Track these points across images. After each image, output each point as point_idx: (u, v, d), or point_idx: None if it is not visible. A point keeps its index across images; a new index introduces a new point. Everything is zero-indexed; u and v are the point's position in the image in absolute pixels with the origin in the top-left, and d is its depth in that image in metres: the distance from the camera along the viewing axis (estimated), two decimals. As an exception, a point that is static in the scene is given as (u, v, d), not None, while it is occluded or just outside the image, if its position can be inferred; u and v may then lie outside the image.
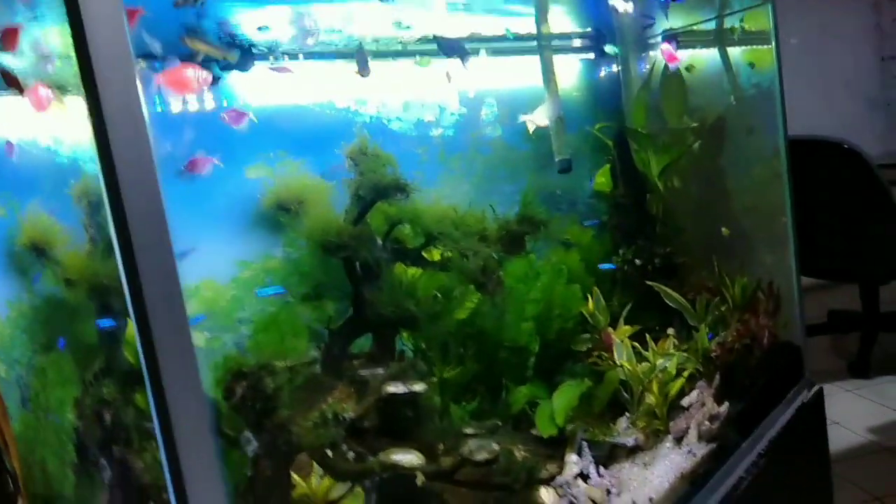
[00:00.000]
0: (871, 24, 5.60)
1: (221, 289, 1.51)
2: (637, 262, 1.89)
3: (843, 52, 5.53)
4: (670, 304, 1.89)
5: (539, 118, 1.77)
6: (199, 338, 1.46)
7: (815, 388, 2.34)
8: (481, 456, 1.14)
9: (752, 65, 2.20)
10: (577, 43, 2.03)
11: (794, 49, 5.47)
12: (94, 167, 0.72)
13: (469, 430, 1.21)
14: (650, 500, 1.46)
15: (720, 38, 2.17)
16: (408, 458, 1.08)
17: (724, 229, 1.95)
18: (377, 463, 1.08)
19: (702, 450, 1.67)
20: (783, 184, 2.24)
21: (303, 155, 1.56)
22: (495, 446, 1.16)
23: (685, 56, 2.19)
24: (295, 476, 1.25)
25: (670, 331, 1.87)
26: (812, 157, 3.71)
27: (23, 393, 1.33)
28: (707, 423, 1.70)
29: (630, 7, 1.86)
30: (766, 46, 2.19)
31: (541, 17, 1.77)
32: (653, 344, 1.75)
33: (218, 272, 1.52)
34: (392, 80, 1.72)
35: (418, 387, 1.20)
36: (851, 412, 3.50)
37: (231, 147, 1.50)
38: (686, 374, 1.70)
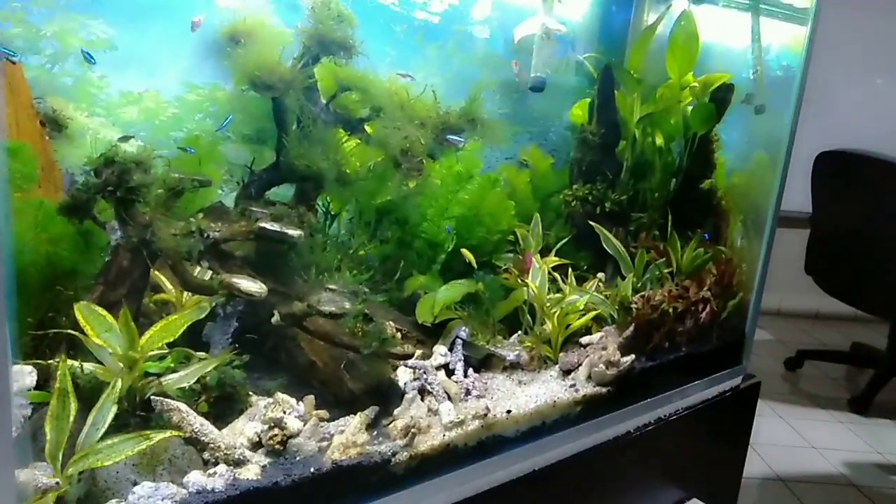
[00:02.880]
0: None
1: (163, 104, 1.56)
2: (588, 200, 1.86)
3: None
4: (608, 249, 1.88)
5: (526, 29, 1.73)
6: (130, 143, 1.53)
7: (751, 381, 2.32)
8: (327, 308, 1.18)
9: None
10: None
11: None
12: None
13: (331, 286, 1.25)
14: (507, 412, 1.49)
15: (753, 5, 2.05)
16: (248, 285, 1.13)
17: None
18: (218, 282, 1.13)
19: (587, 389, 1.68)
20: (776, 176, 2.16)
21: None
22: (346, 304, 1.20)
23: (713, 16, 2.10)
24: (164, 280, 1.33)
25: (600, 275, 1.86)
26: (879, 177, 3.51)
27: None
28: (602, 366, 1.71)
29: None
30: (801, 26, 2.07)
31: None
32: (572, 279, 1.75)
33: (165, 87, 1.56)
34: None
35: (293, 231, 1.23)
36: (834, 443, 3.47)
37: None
38: (593, 314, 1.70)
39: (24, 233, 1.16)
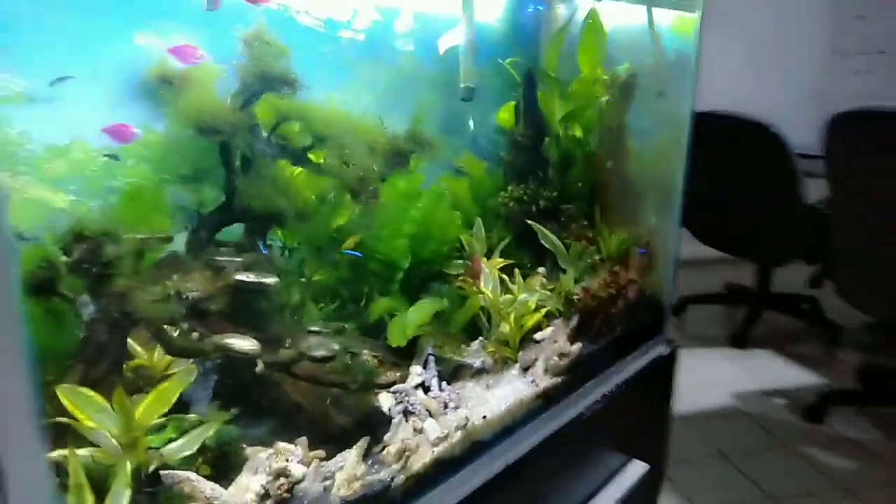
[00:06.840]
0: (830, 18, 5.82)
1: (93, 153, 1.46)
2: (523, 200, 1.95)
3: (799, 41, 5.72)
4: (546, 244, 1.98)
5: (450, 39, 1.76)
6: (62, 199, 1.43)
7: (672, 347, 2.53)
8: (319, 352, 1.19)
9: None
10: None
11: (750, 32, 5.61)
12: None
13: (315, 329, 1.25)
14: (483, 417, 1.57)
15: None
16: (242, 343, 1.12)
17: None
18: (211, 344, 1.12)
19: (545, 382, 1.78)
20: (681, 154, 2.33)
21: (200, 31, 1.50)
22: (335, 346, 1.22)
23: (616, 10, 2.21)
24: (136, 347, 1.28)
25: (541, 269, 1.96)
26: (732, 133, 3.83)
27: None
28: (556, 358, 1.82)
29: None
30: (690, 14, 2.23)
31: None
32: (520, 279, 1.83)
33: (92, 135, 1.47)
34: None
35: (269, 279, 1.22)
36: (723, 377, 3.83)
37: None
38: (544, 311, 1.80)
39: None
